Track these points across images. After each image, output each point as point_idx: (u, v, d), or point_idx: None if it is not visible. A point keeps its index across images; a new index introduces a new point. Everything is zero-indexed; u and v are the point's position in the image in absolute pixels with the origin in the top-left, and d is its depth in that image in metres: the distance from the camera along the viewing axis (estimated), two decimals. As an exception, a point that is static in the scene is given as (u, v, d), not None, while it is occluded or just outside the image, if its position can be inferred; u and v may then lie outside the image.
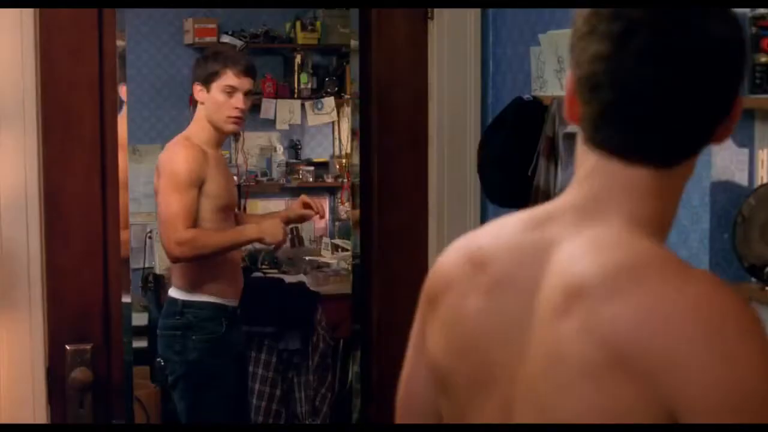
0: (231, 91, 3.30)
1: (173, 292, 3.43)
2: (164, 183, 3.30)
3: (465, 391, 1.19)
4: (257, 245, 3.80)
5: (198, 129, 3.37)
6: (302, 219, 3.68)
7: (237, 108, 3.30)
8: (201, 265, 3.32)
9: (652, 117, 1.08)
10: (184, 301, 3.39)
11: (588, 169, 1.14)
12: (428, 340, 1.24)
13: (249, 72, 3.34)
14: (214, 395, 3.40)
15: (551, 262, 1.12)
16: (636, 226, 1.11)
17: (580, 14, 1.14)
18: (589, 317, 1.04)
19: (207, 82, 3.32)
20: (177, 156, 3.31)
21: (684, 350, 0.99)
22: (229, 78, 3.30)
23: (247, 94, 3.33)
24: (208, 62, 3.36)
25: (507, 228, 1.20)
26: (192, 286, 3.40)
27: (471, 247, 1.22)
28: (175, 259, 3.30)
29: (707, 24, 1.07)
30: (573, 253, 1.10)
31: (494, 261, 1.17)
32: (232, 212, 3.46)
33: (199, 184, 3.29)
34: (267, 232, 3.34)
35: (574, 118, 1.15)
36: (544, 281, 1.12)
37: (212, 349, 3.40)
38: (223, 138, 3.44)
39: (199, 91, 3.34)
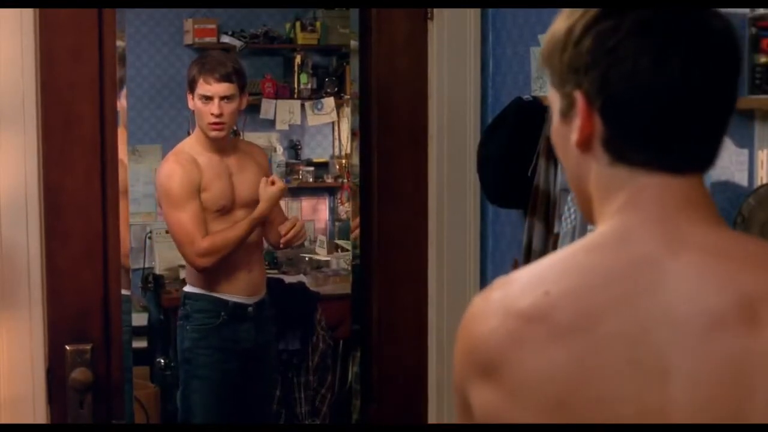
0: (207, 98, 3.36)
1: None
2: (164, 204, 3.42)
3: None
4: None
5: (194, 136, 3.49)
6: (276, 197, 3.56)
7: (213, 114, 3.35)
8: None
9: (702, 124, 1.08)
10: (185, 293, 3.56)
11: (633, 191, 1.10)
12: (486, 410, 1.11)
13: (225, 77, 3.37)
14: (201, 386, 3.51)
15: (666, 282, 1.06)
16: (726, 228, 1.12)
17: (578, 32, 1.10)
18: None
19: (191, 90, 3.42)
20: (167, 175, 3.41)
21: None
22: (202, 86, 3.37)
23: (226, 99, 3.36)
24: (189, 70, 3.45)
25: (566, 267, 1.10)
26: (190, 279, 3.55)
27: (530, 298, 1.08)
28: (202, 270, 3.42)
29: (721, 24, 1.08)
30: (701, 267, 1.06)
31: (573, 302, 1.07)
32: (234, 210, 3.47)
33: (198, 193, 3.38)
34: (263, 199, 3.42)
35: (590, 140, 1.11)
36: (666, 303, 1.05)
37: (203, 340, 3.50)
38: (220, 142, 3.45)
39: (189, 99, 3.44)
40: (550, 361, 1.06)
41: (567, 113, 1.13)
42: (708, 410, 1.03)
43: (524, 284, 1.10)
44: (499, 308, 1.10)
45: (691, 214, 1.10)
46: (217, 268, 3.41)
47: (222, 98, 3.36)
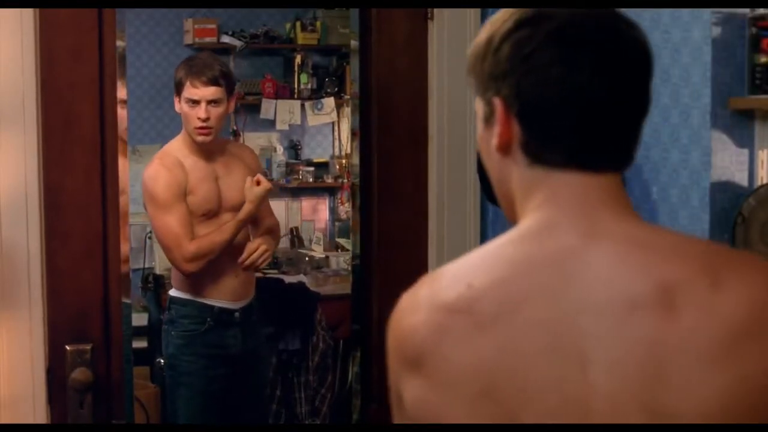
0: (194, 102, 3.29)
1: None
2: (150, 207, 3.35)
3: None
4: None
5: (180, 139, 3.41)
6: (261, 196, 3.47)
7: (199, 119, 3.28)
8: None
9: (614, 127, 1.14)
10: (170, 297, 3.51)
11: (552, 189, 1.14)
12: (415, 402, 1.15)
13: (211, 81, 3.29)
14: (186, 393, 3.46)
15: (585, 271, 1.09)
16: (642, 221, 1.17)
17: (496, 41, 1.15)
18: (707, 307, 1.07)
19: (178, 93, 3.35)
20: (153, 178, 3.34)
21: None
22: (189, 90, 3.30)
23: (213, 103, 3.30)
24: (176, 74, 3.38)
25: (490, 259, 1.14)
26: (176, 283, 3.49)
27: (454, 291, 1.12)
28: (189, 274, 3.37)
29: (632, 32, 1.16)
30: (619, 256, 1.10)
31: (496, 293, 1.11)
32: (220, 214, 3.41)
33: (184, 196, 3.33)
34: (248, 200, 3.35)
35: (509, 144, 1.16)
36: (587, 290, 1.09)
37: (187, 347, 3.45)
38: (206, 146, 3.38)
39: (176, 102, 3.37)
40: (474, 351, 1.10)
41: (489, 119, 1.18)
42: (626, 395, 1.06)
43: (450, 278, 1.15)
44: (426, 303, 1.15)
45: (608, 208, 1.14)
46: (203, 273, 3.36)
47: (209, 102, 3.29)
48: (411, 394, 1.15)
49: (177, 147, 3.40)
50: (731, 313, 1.07)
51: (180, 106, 3.34)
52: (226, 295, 3.44)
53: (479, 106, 1.20)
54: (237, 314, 3.45)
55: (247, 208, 3.36)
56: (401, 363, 1.17)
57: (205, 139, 3.32)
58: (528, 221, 1.15)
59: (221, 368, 3.46)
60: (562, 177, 1.14)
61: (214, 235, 3.33)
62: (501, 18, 1.17)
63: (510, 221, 1.22)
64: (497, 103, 1.16)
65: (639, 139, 1.18)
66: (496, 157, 1.19)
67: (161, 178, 3.32)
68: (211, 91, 3.29)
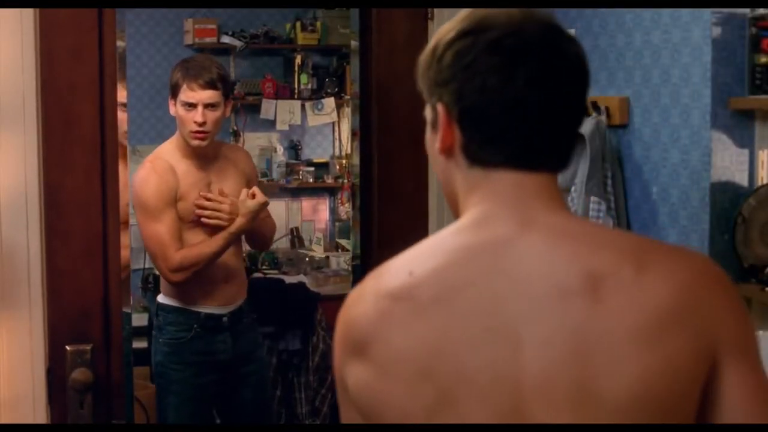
0: (190, 105, 3.22)
1: None
2: (138, 213, 3.26)
3: (427, 417, 1.17)
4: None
5: (173, 142, 3.34)
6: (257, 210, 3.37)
7: (196, 123, 3.21)
8: None
9: (547, 132, 1.21)
10: (158, 303, 3.45)
11: (491, 186, 1.22)
12: (358, 387, 1.21)
13: (209, 84, 3.22)
14: (175, 401, 3.40)
15: (519, 258, 1.17)
16: (573, 215, 1.26)
17: (440, 50, 1.24)
18: (632, 292, 1.14)
19: (173, 96, 3.28)
20: (142, 183, 3.25)
21: (717, 303, 1.17)
22: (185, 93, 3.22)
23: (210, 106, 3.23)
24: (172, 76, 3.30)
25: (429, 249, 1.23)
26: (164, 289, 3.43)
27: (397, 280, 1.20)
28: (176, 284, 3.31)
29: (570, 45, 1.22)
30: (550, 245, 1.17)
31: (435, 280, 1.18)
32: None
33: (174, 202, 3.25)
34: (241, 213, 3.27)
35: (451, 148, 1.24)
36: (519, 277, 1.16)
37: (174, 354, 3.39)
38: (200, 150, 3.30)
39: (171, 105, 3.29)
40: (414, 335, 1.17)
41: (434, 124, 1.27)
42: (556, 374, 1.13)
43: (393, 269, 1.23)
44: (371, 292, 1.22)
45: (540, 203, 1.21)
46: (191, 280, 3.28)
47: (206, 106, 3.21)
48: (355, 379, 1.21)
49: (169, 150, 3.32)
50: (654, 299, 1.14)
51: (175, 109, 3.27)
52: (213, 301, 3.37)
53: (427, 112, 1.29)
54: (225, 319, 3.38)
55: (239, 222, 3.27)
56: (346, 350, 1.23)
57: (200, 144, 3.25)
58: (467, 216, 1.23)
59: (211, 374, 3.40)
60: (499, 175, 1.21)
61: (202, 246, 3.26)
62: (447, 28, 1.25)
63: (456, 219, 1.29)
64: (440, 108, 1.24)
65: (573, 143, 1.25)
66: (440, 160, 1.27)
67: (151, 184, 3.24)
68: (207, 95, 3.22)
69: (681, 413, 1.15)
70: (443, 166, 1.28)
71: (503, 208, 1.21)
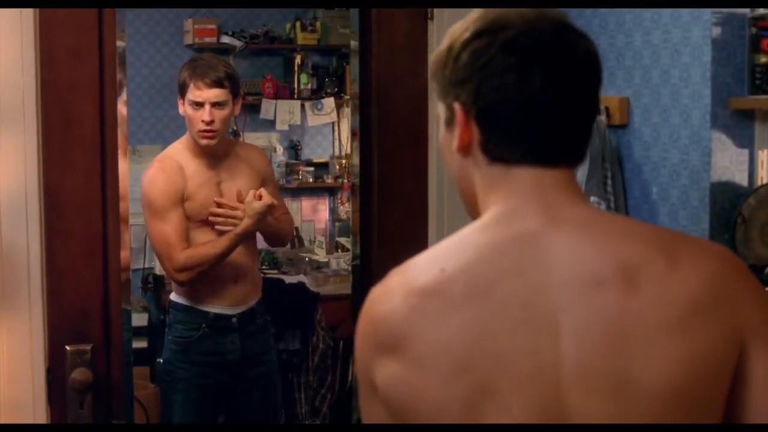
0: (197, 104, 3.22)
1: None
2: (146, 212, 3.27)
3: (465, 414, 1.18)
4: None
5: (183, 141, 3.34)
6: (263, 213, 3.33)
7: (204, 121, 3.21)
8: None
9: (564, 128, 1.24)
10: (170, 301, 3.45)
11: (512, 183, 1.24)
12: (391, 384, 1.21)
13: (216, 83, 3.22)
14: (181, 398, 3.39)
15: (551, 251, 1.19)
16: (596, 209, 1.32)
17: (456, 50, 1.26)
18: (665, 283, 1.18)
19: (181, 95, 3.27)
20: (150, 182, 3.27)
21: (743, 291, 1.22)
22: (193, 92, 3.22)
23: (218, 105, 3.22)
24: (179, 75, 3.29)
25: (458, 246, 1.23)
26: (174, 288, 3.43)
27: (428, 276, 1.21)
28: (181, 284, 3.31)
29: (583, 42, 1.25)
30: (580, 238, 1.20)
31: (468, 275, 1.20)
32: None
33: (181, 202, 3.25)
34: (247, 214, 3.25)
35: (469, 146, 1.26)
36: (552, 268, 1.18)
37: (181, 353, 3.39)
38: (211, 148, 3.30)
39: (180, 105, 3.29)
40: (449, 329, 1.18)
41: (449, 123, 1.28)
42: (594, 363, 1.16)
43: (421, 266, 1.24)
44: (399, 289, 1.23)
45: (563, 197, 1.24)
46: (200, 280, 3.28)
47: (213, 104, 3.21)
48: (386, 376, 1.21)
49: (179, 149, 3.33)
50: (686, 289, 1.18)
51: (183, 108, 3.26)
52: (223, 301, 3.36)
53: (441, 110, 1.30)
54: (234, 320, 3.38)
55: (244, 224, 3.25)
56: (375, 348, 1.23)
57: (209, 143, 3.25)
58: (491, 212, 1.24)
59: (218, 375, 3.40)
60: (520, 172, 1.23)
61: (208, 247, 3.25)
62: (461, 28, 1.28)
63: (471, 218, 1.31)
64: (457, 108, 1.25)
65: (589, 138, 1.28)
66: (457, 158, 1.29)
67: (158, 183, 3.25)
68: (215, 93, 3.22)
69: (711, 400, 1.19)
70: (460, 164, 1.29)
71: (528, 203, 1.23)
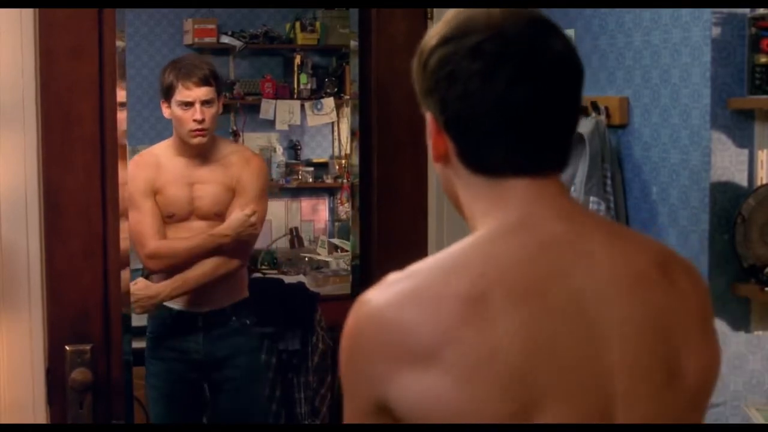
0: (187, 104, 3.25)
1: None
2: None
3: (508, 421, 1.11)
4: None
5: (168, 140, 3.39)
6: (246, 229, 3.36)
7: (195, 120, 3.24)
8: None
9: (542, 132, 1.18)
10: None
11: (498, 194, 1.20)
12: (419, 399, 1.10)
13: (203, 81, 3.25)
14: (153, 394, 3.44)
15: (586, 252, 1.17)
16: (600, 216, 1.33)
17: (425, 56, 1.22)
18: (689, 280, 1.23)
19: (167, 97, 3.29)
20: (128, 175, 3.31)
21: None
22: (181, 92, 3.25)
23: (207, 103, 3.25)
24: (164, 77, 3.31)
25: (485, 251, 1.17)
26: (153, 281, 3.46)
27: (463, 281, 1.13)
28: (151, 272, 3.36)
29: (557, 43, 1.19)
30: (609, 239, 1.20)
31: (510, 280, 1.13)
32: (190, 220, 3.36)
33: (152, 194, 3.30)
34: (229, 231, 3.28)
35: (444, 155, 1.23)
36: (591, 269, 1.16)
37: (152, 348, 3.43)
38: (198, 149, 3.33)
39: (165, 108, 3.32)
40: (499, 335, 1.10)
41: (428, 132, 1.27)
42: (643, 360, 1.15)
43: (443, 271, 1.15)
44: (426, 295, 1.13)
45: (565, 202, 1.21)
46: (169, 275, 3.31)
47: (203, 103, 3.25)
48: (413, 392, 1.10)
49: (163, 146, 3.39)
50: (704, 288, 1.25)
51: (170, 110, 3.29)
52: (187, 300, 3.37)
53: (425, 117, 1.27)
54: (200, 320, 3.38)
55: (222, 227, 3.28)
56: (393, 361, 1.11)
57: (201, 140, 3.28)
58: (495, 223, 1.19)
59: (185, 373, 3.41)
60: (507, 183, 1.19)
61: (181, 240, 3.29)
62: (431, 33, 1.24)
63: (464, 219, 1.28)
64: (428, 116, 1.24)
65: (570, 140, 1.23)
66: (438, 165, 1.26)
67: (131, 175, 3.24)
68: (204, 91, 3.25)
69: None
70: (442, 171, 1.27)
71: (541, 210, 1.19)
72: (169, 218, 3.32)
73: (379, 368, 1.12)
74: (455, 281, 1.12)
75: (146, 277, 3.48)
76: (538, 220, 1.18)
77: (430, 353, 1.09)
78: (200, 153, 3.33)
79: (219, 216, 3.33)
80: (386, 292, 1.17)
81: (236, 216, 3.28)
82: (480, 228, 1.21)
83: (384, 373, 1.12)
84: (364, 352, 1.14)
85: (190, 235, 3.31)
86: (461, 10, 1.23)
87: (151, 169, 3.32)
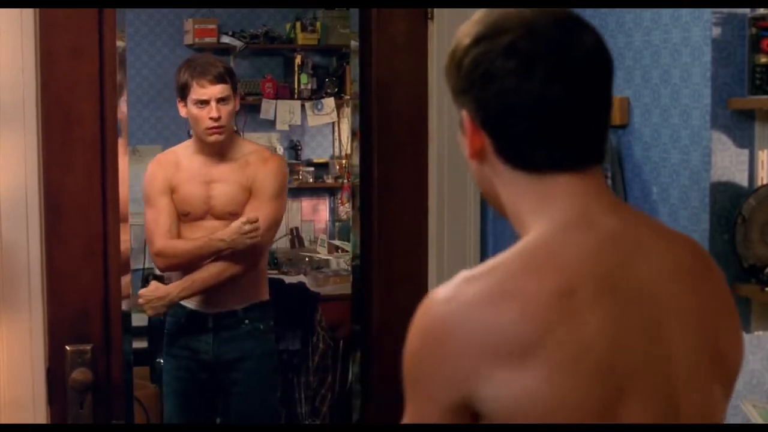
0: (203, 103, 3.26)
1: None
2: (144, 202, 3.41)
3: (601, 414, 1.14)
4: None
5: (189, 141, 3.41)
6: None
7: (212, 119, 3.25)
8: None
9: (578, 126, 1.21)
10: None
11: (547, 193, 1.22)
12: (512, 396, 1.10)
13: (218, 79, 3.26)
14: (165, 390, 3.48)
15: (644, 247, 1.22)
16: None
17: (458, 57, 1.24)
18: (718, 270, 1.31)
19: (183, 97, 3.31)
20: (147, 172, 3.41)
21: None
22: (196, 91, 3.25)
23: (222, 100, 3.26)
24: (178, 77, 3.33)
25: (561, 246, 1.19)
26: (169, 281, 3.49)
27: (550, 278, 1.14)
28: (161, 270, 3.41)
29: (588, 38, 1.23)
30: (651, 230, 1.26)
31: (589, 274, 1.16)
32: (206, 219, 3.36)
33: (168, 192, 3.34)
34: (224, 236, 3.26)
35: (481, 152, 1.24)
36: (648, 262, 1.21)
37: (167, 344, 3.46)
38: (216, 147, 3.34)
39: (181, 107, 3.33)
40: (588, 329, 1.13)
41: (463, 129, 1.27)
42: (700, 345, 1.22)
43: (525, 268, 1.16)
44: (514, 292, 1.13)
45: (611, 197, 1.26)
46: (184, 273, 3.34)
47: (218, 100, 3.25)
48: (508, 390, 1.10)
49: (184, 146, 3.42)
50: (725, 280, 1.33)
51: (186, 109, 3.30)
52: (199, 300, 3.37)
53: (458, 115, 1.29)
54: (210, 320, 3.38)
55: (223, 233, 3.26)
56: (486, 360, 1.11)
57: (218, 138, 3.29)
58: (556, 218, 1.21)
59: (194, 372, 3.42)
60: (551, 180, 1.22)
61: (187, 242, 3.31)
62: (464, 31, 1.25)
63: (501, 214, 1.30)
64: (464, 115, 1.25)
65: (607, 132, 1.27)
66: (473, 163, 1.28)
67: (149, 173, 3.38)
68: (219, 89, 3.26)
69: None
70: (477, 169, 1.28)
71: (593, 207, 1.22)
72: (184, 216, 3.34)
73: (468, 367, 1.12)
74: (540, 278, 1.14)
75: (160, 279, 3.51)
76: (593, 216, 1.21)
77: (526, 350, 1.10)
78: (218, 152, 3.34)
79: (234, 215, 3.32)
80: (468, 290, 1.15)
81: (234, 223, 3.27)
82: (532, 225, 1.22)
83: (474, 372, 1.11)
84: (451, 352, 1.13)
85: (203, 234, 3.32)
86: (491, 9, 1.25)
87: (170, 168, 3.36)
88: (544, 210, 1.21)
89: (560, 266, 1.15)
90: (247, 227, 3.24)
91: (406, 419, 1.18)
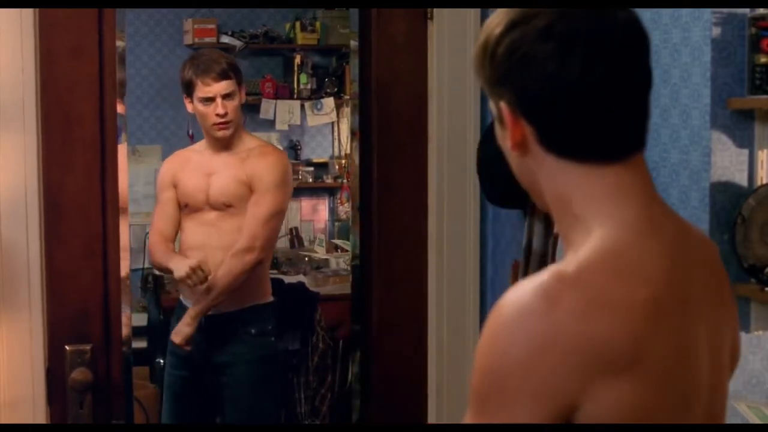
0: (208, 100, 3.28)
1: None
2: None
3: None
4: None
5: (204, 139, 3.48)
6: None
7: (218, 115, 3.28)
8: None
9: (619, 110, 1.16)
10: None
11: (595, 184, 1.17)
12: (616, 410, 1.09)
13: (222, 75, 3.27)
14: (164, 387, 3.53)
15: (693, 246, 1.24)
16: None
17: (491, 46, 1.18)
18: (726, 275, 1.32)
19: (189, 94, 3.34)
20: (161, 169, 3.50)
21: None
22: (202, 89, 3.28)
23: (227, 96, 3.28)
24: (183, 74, 3.35)
25: (639, 253, 1.15)
26: None
27: (643, 287, 1.12)
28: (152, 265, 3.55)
29: (622, 15, 1.18)
30: (690, 229, 1.28)
31: (666, 282, 1.15)
32: (204, 210, 3.37)
33: (171, 186, 3.41)
34: (177, 268, 3.25)
35: (524, 143, 1.18)
36: (694, 265, 1.23)
37: (169, 343, 3.45)
38: (224, 141, 3.36)
39: (188, 103, 3.36)
40: (673, 339, 1.13)
41: (501, 120, 1.21)
42: (722, 344, 1.24)
43: (614, 276, 1.12)
44: (610, 304, 1.09)
45: (653, 191, 1.23)
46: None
47: (224, 96, 3.28)
48: (609, 401, 1.08)
49: (201, 143, 3.48)
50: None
51: (193, 106, 3.33)
52: (195, 301, 3.35)
53: (492, 107, 1.23)
54: (203, 321, 3.36)
55: (174, 266, 3.25)
56: (594, 371, 1.08)
57: (225, 134, 3.32)
58: (615, 216, 1.16)
59: (188, 371, 3.43)
60: (600, 171, 1.17)
61: (157, 251, 3.37)
62: (493, 21, 1.19)
63: (541, 207, 1.28)
64: (502, 106, 1.18)
65: (649, 114, 1.21)
66: (514, 154, 1.22)
67: (161, 168, 3.48)
68: (223, 86, 3.28)
69: None
70: (519, 160, 1.22)
71: (642, 204, 1.18)
72: (185, 208, 3.39)
73: (571, 380, 1.08)
74: (631, 288, 1.11)
75: (160, 279, 3.58)
76: (657, 218, 1.19)
77: (628, 361, 1.08)
78: (225, 145, 3.38)
79: (229, 207, 3.34)
80: (565, 299, 1.09)
81: (189, 261, 3.23)
82: (593, 224, 1.17)
83: (577, 385, 1.08)
84: (551, 366, 1.08)
85: (201, 225, 3.37)
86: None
87: (179, 162, 3.44)
88: (602, 208, 1.16)
89: (646, 277, 1.13)
90: (184, 272, 3.20)
91: None
